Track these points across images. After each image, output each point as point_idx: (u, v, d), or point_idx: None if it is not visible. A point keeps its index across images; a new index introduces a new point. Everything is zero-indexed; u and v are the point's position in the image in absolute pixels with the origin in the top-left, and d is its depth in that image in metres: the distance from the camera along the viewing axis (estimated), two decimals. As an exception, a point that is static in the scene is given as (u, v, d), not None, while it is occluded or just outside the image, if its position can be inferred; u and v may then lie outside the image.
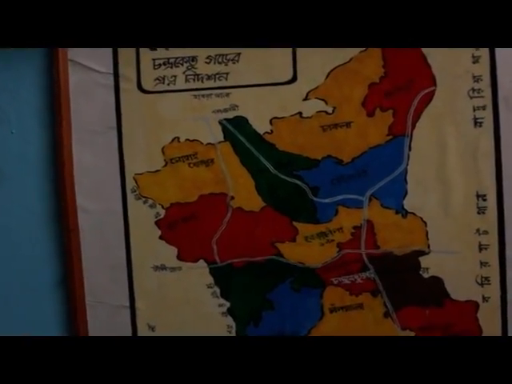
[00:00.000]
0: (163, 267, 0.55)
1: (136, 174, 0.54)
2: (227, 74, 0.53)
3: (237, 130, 0.53)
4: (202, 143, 0.54)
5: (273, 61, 0.52)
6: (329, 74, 0.52)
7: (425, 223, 0.52)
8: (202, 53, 0.53)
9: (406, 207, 0.52)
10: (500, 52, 0.50)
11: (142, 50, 0.53)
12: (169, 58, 0.53)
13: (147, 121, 0.54)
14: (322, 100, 0.52)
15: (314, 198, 0.53)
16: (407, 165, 0.52)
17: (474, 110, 0.51)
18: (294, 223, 0.54)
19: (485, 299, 0.53)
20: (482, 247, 0.52)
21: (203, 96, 0.53)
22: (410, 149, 0.52)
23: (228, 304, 0.55)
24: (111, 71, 0.54)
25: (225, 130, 0.53)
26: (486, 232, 0.52)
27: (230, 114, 0.53)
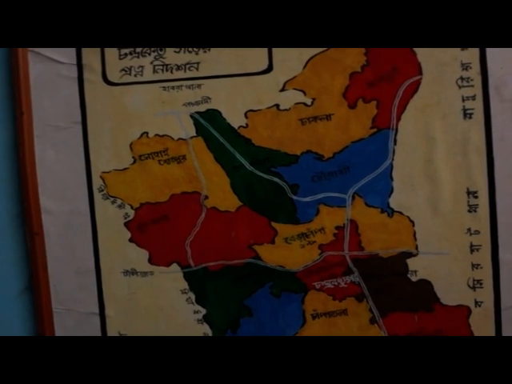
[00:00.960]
0: (134, 272, 0.52)
1: (103, 173, 0.51)
2: (198, 63, 0.50)
3: (210, 124, 0.50)
4: (172, 139, 0.50)
5: (247, 49, 0.49)
6: (307, 62, 0.49)
7: (412, 223, 0.49)
8: (171, 41, 0.49)
9: (391, 206, 0.49)
10: (491, 37, 0.47)
11: (107, 38, 0.50)
12: (135, 47, 0.50)
13: (114, 115, 0.51)
14: (301, 91, 0.49)
15: (294, 197, 0.50)
16: (392, 160, 0.49)
17: (463, 101, 0.48)
18: (273, 224, 0.51)
19: (477, 304, 0.50)
20: (473, 248, 0.49)
21: (173, 88, 0.50)
22: (395, 143, 0.49)
23: (204, 311, 0.52)
24: (74, 62, 0.50)
25: (197, 124, 0.50)
26: (477, 232, 0.49)
27: (202, 107, 0.50)
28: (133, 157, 0.51)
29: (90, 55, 0.50)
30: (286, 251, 0.51)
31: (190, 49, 0.49)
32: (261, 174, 0.50)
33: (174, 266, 0.52)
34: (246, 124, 0.50)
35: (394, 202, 0.49)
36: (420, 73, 0.48)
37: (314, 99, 0.49)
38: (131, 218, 0.52)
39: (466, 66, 0.48)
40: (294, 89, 0.49)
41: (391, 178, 0.49)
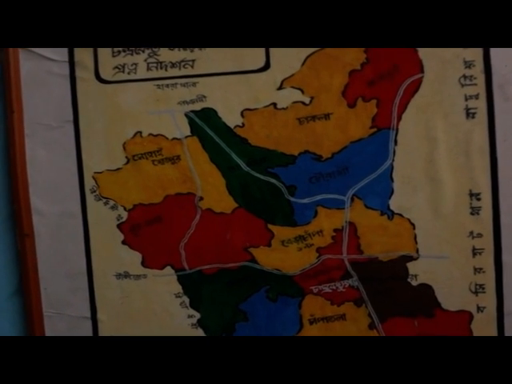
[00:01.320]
0: (126, 275, 0.51)
1: (95, 173, 0.50)
2: (193, 61, 0.48)
3: (205, 123, 0.49)
4: (166, 138, 0.49)
5: (243, 47, 0.48)
6: (305, 60, 0.48)
7: (413, 225, 0.48)
8: (165, 38, 0.48)
9: (392, 208, 0.48)
10: (494, 35, 0.46)
11: (99, 35, 0.49)
12: (129, 47, 0.49)
13: (106, 114, 0.49)
14: (299, 89, 0.48)
15: (291, 198, 0.49)
16: (393, 161, 0.48)
17: (466, 100, 0.47)
18: (269, 226, 0.49)
19: (479, 309, 0.49)
20: (475, 251, 0.48)
21: (167, 86, 0.49)
22: (395, 143, 0.48)
23: (198, 315, 0.51)
24: (66, 59, 0.49)
25: (192, 123, 0.49)
26: (480, 235, 0.48)
27: (198, 106, 0.49)
28: (126, 157, 0.50)
29: (83, 53, 0.49)
30: (283, 254, 0.50)
31: (185, 45, 0.49)
32: (257, 175, 0.49)
33: (168, 269, 0.51)
34: (243, 123, 0.49)
35: (394, 203, 0.48)
36: (421, 71, 0.47)
37: (312, 98, 0.48)
38: (124, 219, 0.50)
39: (469, 64, 0.47)
40: (292, 87, 0.48)
41: (391, 180, 0.48)
